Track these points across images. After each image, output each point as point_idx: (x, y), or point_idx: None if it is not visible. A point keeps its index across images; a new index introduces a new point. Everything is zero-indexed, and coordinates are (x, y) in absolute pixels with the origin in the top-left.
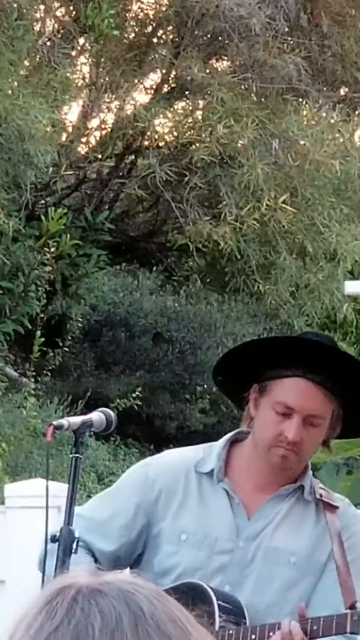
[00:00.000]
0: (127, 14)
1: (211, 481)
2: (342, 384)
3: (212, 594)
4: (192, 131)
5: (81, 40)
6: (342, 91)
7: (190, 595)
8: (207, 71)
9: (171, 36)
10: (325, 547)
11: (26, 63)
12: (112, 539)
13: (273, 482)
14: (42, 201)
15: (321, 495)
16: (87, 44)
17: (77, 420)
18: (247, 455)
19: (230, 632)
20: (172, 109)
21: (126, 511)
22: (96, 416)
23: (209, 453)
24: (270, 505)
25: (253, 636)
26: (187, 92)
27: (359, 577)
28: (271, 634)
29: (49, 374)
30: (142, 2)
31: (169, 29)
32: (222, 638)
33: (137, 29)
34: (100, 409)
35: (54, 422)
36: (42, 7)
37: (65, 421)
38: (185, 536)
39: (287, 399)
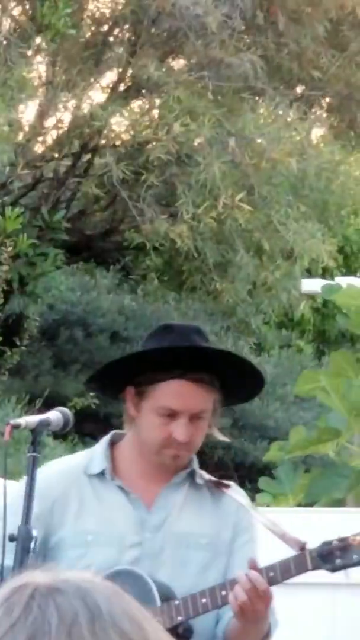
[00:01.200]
0: (83, 13)
1: (103, 481)
2: (218, 375)
3: (144, 574)
4: (148, 130)
5: (37, 39)
6: (299, 89)
7: (122, 580)
8: (164, 70)
9: (127, 35)
10: (227, 526)
11: None
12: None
13: (164, 474)
14: None
15: (210, 479)
16: (43, 43)
17: (34, 419)
18: (130, 455)
19: (177, 602)
20: (128, 108)
21: None
22: (53, 415)
23: (93, 457)
24: (166, 494)
25: (204, 600)
26: (143, 91)
27: (244, 562)
28: (223, 592)
29: (6, 373)
30: (99, 1)
31: (125, 27)
32: (170, 611)
33: (93, 28)
34: (58, 408)
35: (12, 421)
36: None
37: (22, 420)
38: (91, 537)
39: (170, 403)
